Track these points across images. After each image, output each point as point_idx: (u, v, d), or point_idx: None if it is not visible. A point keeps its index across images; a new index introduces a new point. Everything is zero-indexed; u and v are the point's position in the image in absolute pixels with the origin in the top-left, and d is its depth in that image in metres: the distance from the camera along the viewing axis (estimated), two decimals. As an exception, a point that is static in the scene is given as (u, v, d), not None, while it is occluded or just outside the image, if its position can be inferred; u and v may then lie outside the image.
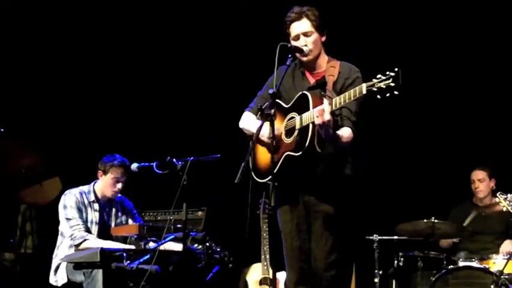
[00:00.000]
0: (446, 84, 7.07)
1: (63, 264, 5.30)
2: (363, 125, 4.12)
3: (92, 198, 5.52)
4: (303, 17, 4.14)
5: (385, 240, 6.35)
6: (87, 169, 5.77)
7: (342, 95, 3.84)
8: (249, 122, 4.26)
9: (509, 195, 4.93)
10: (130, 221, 5.63)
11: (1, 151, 6.06)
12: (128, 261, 4.92)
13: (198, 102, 7.29)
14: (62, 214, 5.43)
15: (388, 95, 3.60)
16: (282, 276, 5.49)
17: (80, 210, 5.42)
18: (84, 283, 5.07)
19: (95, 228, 5.47)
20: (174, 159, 4.78)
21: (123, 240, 5.48)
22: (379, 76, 3.64)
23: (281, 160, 4.00)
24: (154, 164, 4.94)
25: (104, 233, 5.45)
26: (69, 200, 5.43)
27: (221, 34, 7.20)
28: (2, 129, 5.92)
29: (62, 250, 5.39)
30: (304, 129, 3.94)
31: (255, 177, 4.14)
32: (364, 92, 3.70)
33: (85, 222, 5.43)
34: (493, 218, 6.41)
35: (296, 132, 3.99)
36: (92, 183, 5.58)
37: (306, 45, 4.12)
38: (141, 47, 7.29)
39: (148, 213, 5.78)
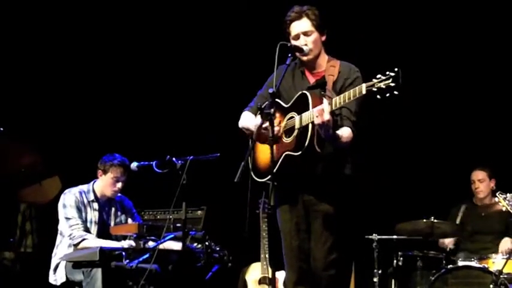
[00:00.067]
0: (446, 84, 7.07)
1: (63, 263, 5.30)
2: (362, 124, 4.12)
3: (92, 197, 5.52)
4: (303, 16, 4.14)
5: (384, 240, 6.35)
6: (86, 168, 5.77)
7: (342, 95, 3.84)
8: (248, 121, 4.25)
9: (508, 194, 4.93)
10: (129, 220, 5.63)
11: (1, 150, 6.06)
12: (127, 260, 4.93)
13: (197, 102, 7.29)
14: (61, 213, 5.43)
15: (388, 95, 3.60)
16: (281, 275, 5.50)
17: (79, 210, 5.42)
18: (83, 282, 5.07)
19: (94, 228, 5.47)
20: (174, 158, 4.78)
21: (123, 239, 5.48)
22: (379, 76, 3.64)
23: (280, 160, 4.00)
24: (153, 163, 4.94)
25: (103, 232, 5.45)
26: (68, 199, 5.43)
27: (221, 34, 7.20)
28: (2, 129, 5.92)
29: (61, 249, 5.39)
30: (303, 129, 3.94)
31: (255, 177, 4.13)
32: (364, 92, 3.69)
33: (84, 221, 5.43)
34: (493, 218, 6.42)
35: (295, 132, 3.99)
36: (92, 183, 5.58)
37: (306, 45, 4.12)
38: (141, 46, 7.29)
39: (148, 212, 5.78)
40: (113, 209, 5.63)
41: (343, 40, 5.59)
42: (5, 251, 6.32)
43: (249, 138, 4.16)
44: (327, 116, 3.78)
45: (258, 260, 6.29)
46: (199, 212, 5.50)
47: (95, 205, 5.52)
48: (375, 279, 6.25)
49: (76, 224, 5.35)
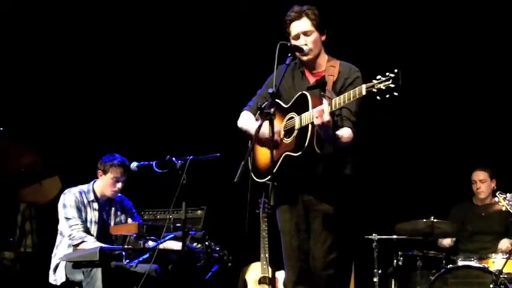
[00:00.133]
0: (446, 84, 7.07)
1: (62, 263, 5.30)
2: (362, 125, 4.12)
3: (92, 197, 5.52)
4: (303, 16, 4.14)
5: (384, 240, 6.35)
6: (86, 168, 5.77)
7: (342, 96, 3.83)
8: (247, 121, 4.25)
9: (508, 194, 4.93)
10: (129, 220, 5.62)
11: (1, 150, 6.06)
12: (127, 260, 4.92)
13: (197, 102, 7.29)
14: (61, 213, 5.43)
15: (388, 96, 3.59)
16: (281, 275, 5.48)
17: (79, 210, 5.42)
18: (83, 282, 5.07)
19: (94, 228, 5.47)
20: (174, 158, 4.78)
21: (123, 239, 5.48)
22: (378, 77, 3.64)
23: (280, 160, 4.00)
24: (153, 162, 4.94)
25: (103, 232, 5.45)
26: (68, 199, 5.43)
27: (221, 33, 7.20)
28: (2, 128, 5.92)
29: (61, 249, 5.39)
30: (303, 130, 3.94)
31: (254, 177, 4.13)
32: (364, 93, 3.69)
33: (84, 221, 5.43)
34: (493, 218, 6.42)
35: (295, 133, 3.99)
36: (92, 182, 5.58)
37: (306, 45, 4.11)
38: (141, 46, 7.29)
39: (148, 212, 5.77)
40: (113, 209, 5.63)
41: (343, 40, 5.59)
42: (5, 250, 6.32)
43: (249, 139, 4.16)
44: (326, 117, 3.77)
45: (258, 259, 6.29)
46: (199, 211, 5.49)
47: (95, 205, 5.52)
48: (375, 279, 6.25)
49: (76, 225, 5.35)
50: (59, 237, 5.46)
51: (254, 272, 6.32)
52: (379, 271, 6.27)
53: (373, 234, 6.34)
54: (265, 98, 4.17)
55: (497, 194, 4.98)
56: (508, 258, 5.53)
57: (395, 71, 3.58)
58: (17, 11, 6.94)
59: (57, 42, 7.12)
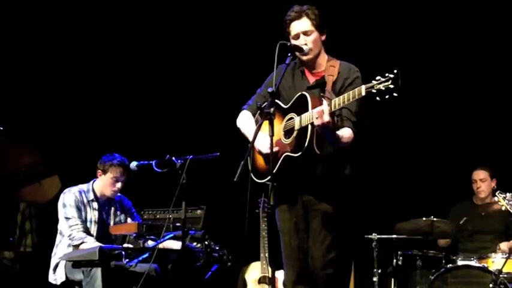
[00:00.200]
0: (446, 84, 7.07)
1: (62, 263, 5.30)
2: (362, 125, 4.12)
3: (91, 197, 5.52)
4: (303, 15, 4.14)
5: (384, 239, 6.35)
6: (86, 168, 5.77)
7: (341, 96, 3.83)
8: (245, 124, 4.25)
9: (508, 194, 4.93)
10: (129, 220, 5.62)
11: (1, 150, 6.06)
12: (127, 260, 4.92)
13: (197, 102, 7.29)
14: (61, 213, 5.43)
15: (387, 97, 3.59)
16: (280, 274, 5.48)
17: (79, 209, 5.42)
18: (83, 282, 5.07)
19: (94, 227, 5.47)
20: (174, 158, 4.78)
21: (122, 239, 5.48)
22: (378, 78, 3.63)
23: (280, 161, 4.00)
24: (153, 162, 4.94)
25: (103, 232, 5.45)
26: (68, 198, 5.43)
27: (221, 33, 7.20)
28: (2, 128, 5.92)
29: (61, 249, 5.39)
30: (303, 130, 3.93)
31: (254, 178, 4.13)
32: (363, 94, 3.69)
33: (84, 221, 5.43)
34: (493, 218, 6.42)
35: (295, 133, 3.99)
36: (91, 182, 5.58)
37: (305, 44, 4.11)
38: (141, 46, 7.29)
39: (147, 211, 5.78)
40: (113, 209, 5.63)
41: (343, 40, 5.59)
42: (5, 250, 6.33)
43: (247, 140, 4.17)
44: (326, 118, 3.77)
45: (257, 259, 6.29)
46: (198, 211, 5.49)
47: (95, 204, 5.52)
48: (375, 279, 6.25)
49: (76, 224, 5.35)
50: (58, 236, 5.46)
51: (254, 271, 6.32)
52: (379, 270, 6.27)
53: (373, 234, 6.34)
54: (264, 97, 4.17)
55: (497, 194, 4.99)
56: (507, 258, 5.53)
57: (395, 71, 3.58)
58: (17, 11, 6.94)
59: (57, 42, 7.12)
